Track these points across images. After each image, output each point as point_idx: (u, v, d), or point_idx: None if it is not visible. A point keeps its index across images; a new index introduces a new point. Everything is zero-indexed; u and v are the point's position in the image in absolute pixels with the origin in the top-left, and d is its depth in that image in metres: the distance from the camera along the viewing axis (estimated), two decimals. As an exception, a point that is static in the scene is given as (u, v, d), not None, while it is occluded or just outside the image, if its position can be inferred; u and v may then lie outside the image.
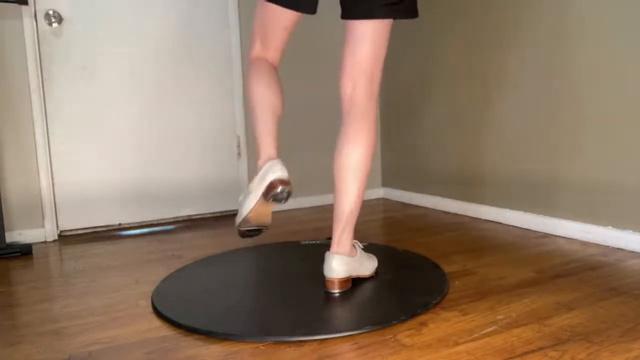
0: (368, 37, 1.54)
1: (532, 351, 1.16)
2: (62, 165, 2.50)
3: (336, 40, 3.03)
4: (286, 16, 1.59)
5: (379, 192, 3.26)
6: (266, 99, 1.58)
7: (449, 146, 2.69)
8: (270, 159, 1.52)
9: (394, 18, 1.55)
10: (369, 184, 3.21)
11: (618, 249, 1.92)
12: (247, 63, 1.69)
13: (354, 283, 1.60)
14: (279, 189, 1.47)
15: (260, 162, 1.56)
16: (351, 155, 1.53)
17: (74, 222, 2.55)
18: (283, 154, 2.95)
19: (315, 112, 3.02)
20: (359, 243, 1.68)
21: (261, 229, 1.63)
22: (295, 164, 2.99)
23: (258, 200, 1.50)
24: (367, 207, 2.93)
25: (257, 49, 1.66)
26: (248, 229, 1.58)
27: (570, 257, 1.84)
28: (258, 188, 1.51)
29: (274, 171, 1.48)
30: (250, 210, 1.51)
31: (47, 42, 2.43)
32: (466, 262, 1.84)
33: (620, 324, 1.28)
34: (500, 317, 1.35)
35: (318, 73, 2.99)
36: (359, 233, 2.32)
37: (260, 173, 1.52)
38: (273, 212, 2.93)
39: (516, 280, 1.62)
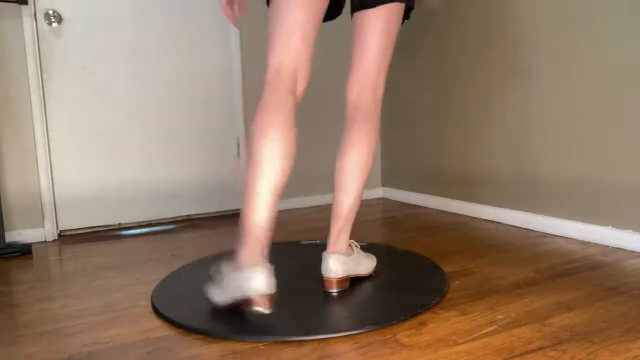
0: (376, 36, 1.52)
1: (532, 351, 1.16)
2: (62, 165, 2.50)
3: (340, 42, 3.03)
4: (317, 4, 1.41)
5: (379, 192, 3.26)
6: (272, 167, 1.32)
7: (449, 146, 2.69)
8: (256, 262, 1.31)
9: (401, 1, 1.52)
10: (368, 184, 3.22)
11: (618, 249, 1.92)
12: (264, 83, 1.41)
13: (353, 283, 1.60)
14: (257, 309, 1.29)
15: (244, 256, 1.31)
16: (354, 158, 1.54)
17: (74, 222, 2.55)
18: (283, 154, 2.95)
19: (316, 113, 3.02)
20: (356, 243, 1.68)
21: None
22: (295, 164, 2.99)
23: (227, 304, 1.37)
24: (367, 207, 2.93)
25: (278, 54, 1.40)
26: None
27: (570, 257, 1.84)
28: (231, 291, 1.32)
29: (258, 283, 1.27)
30: (218, 304, 1.41)
31: (47, 42, 2.43)
32: (466, 262, 1.84)
33: (620, 324, 1.28)
34: (500, 317, 1.35)
35: (319, 73, 2.99)
36: (360, 233, 2.32)
37: (241, 275, 1.29)
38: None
39: (516, 280, 1.62)
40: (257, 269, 1.29)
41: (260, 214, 1.32)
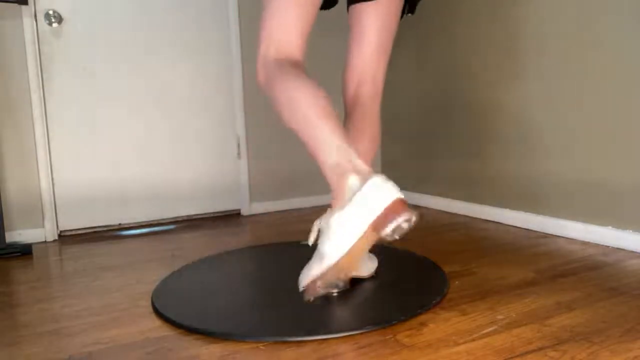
0: (374, 28, 1.48)
1: (532, 351, 1.16)
2: (62, 165, 2.50)
3: (338, 38, 3.02)
4: None
5: (379, 192, 3.25)
6: (323, 101, 1.23)
7: (449, 146, 2.69)
8: (371, 173, 1.12)
9: None
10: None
11: (618, 249, 1.92)
12: (263, 64, 1.38)
13: (353, 283, 1.60)
14: (404, 217, 1.04)
15: (350, 178, 1.10)
16: None
17: (74, 222, 2.55)
18: (283, 152, 2.96)
19: (315, 112, 3.02)
20: None
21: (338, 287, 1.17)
22: (295, 163, 2.99)
23: (364, 233, 1.06)
24: (367, 207, 2.92)
25: (276, 41, 1.35)
26: (327, 287, 1.12)
27: (570, 257, 1.84)
28: (362, 216, 1.05)
29: (390, 190, 1.04)
30: (348, 252, 1.08)
31: (47, 42, 2.43)
32: (466, 262, 1.83)
33: (620, 324, 1.28)
34: (500, 317, 1.35)
35: (319, 71, 2.99)
36: (359, 233, 2.32)
37: (361, 194, 1.06)
38: (273, 213, 2.93)
39: (516, 280, 1.62)
40: (380, 177, 1.07)
41: (334, 145, 1.17)
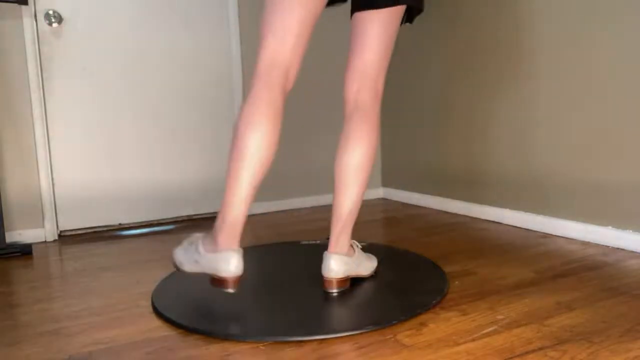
0: (376, 35, 1.52)
1: (532, 351, 1.16)
2: (62, 165, 2.50)
3: (339, 39, 3.03)
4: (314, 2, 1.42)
5: (379, 192, 3.26)
6: (256, 159, 1.37)
7: (449, 146, 2.69)
8: (231, 246, 1.42)
9: (407, 4, 1.52)
10: (368, 183, 3.21)
11: (618, 249, 1.92)
12: (254, 75, 1.42)
13: (353, 283, 1.60)
14: (226, 289, 1.41)
15: (220, 239, 1.41)
16: (353, 155, 1.53)
17: (74, 222, 2.55)
18: (283, 153, 2.96)
19: (316, 112, 3.02)
20: (357, 243, 1.68)
21: None
22: (295, 164, 2.99)
23: (193, 274, 1.50)
24: (367, 207, 2.93)
25: (272, 49, 1.41)
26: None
27: (570, 257, 1.84)
28: (205, 268, 1.44)
29: (231, 266, 1.40)
30: (183, 270, 1.51)
31: (47, 42, 2.43)
32: (466, 262, 1.84)
33: (620, 324, 1.28)
34: (500, 317, 1.35)
35: (319, 72, 2.99)
36: (360, 233, 2.32)
37: (217, 256, 1.41)
38: (273, 213, 2.93)
39: (516, 280, 1.62)
40: (233, 253, 1.41)
41: (240, 202, 1.41)
